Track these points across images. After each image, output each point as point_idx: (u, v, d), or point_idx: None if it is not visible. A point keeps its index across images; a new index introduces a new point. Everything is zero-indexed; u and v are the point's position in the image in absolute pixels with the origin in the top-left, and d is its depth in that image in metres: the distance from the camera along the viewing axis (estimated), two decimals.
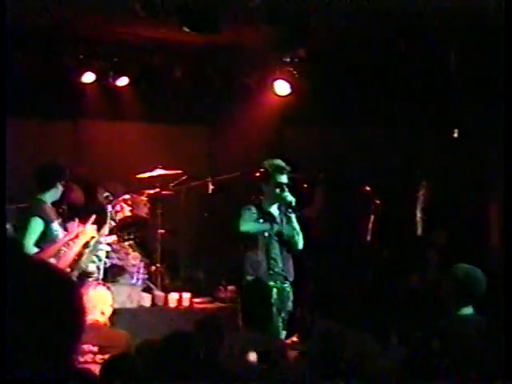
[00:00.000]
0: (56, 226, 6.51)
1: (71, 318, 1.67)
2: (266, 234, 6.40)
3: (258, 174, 6.55)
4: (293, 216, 6.41)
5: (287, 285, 6.41)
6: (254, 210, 6.42)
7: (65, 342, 1.66)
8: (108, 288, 6.23)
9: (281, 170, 6.43)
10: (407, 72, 8.21)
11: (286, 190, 6.41)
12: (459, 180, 8.19)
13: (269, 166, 6.48)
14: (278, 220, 6.47)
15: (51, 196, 6.52)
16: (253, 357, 3.92)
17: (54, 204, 6.58)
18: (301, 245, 6.49)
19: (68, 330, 1.66)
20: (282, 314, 6.26)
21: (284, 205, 6.43)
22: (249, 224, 6.36)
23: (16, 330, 1.59)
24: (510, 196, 5.75)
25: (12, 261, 1.68)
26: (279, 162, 6.52)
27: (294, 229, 6.42)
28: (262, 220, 6.43)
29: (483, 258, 7.36)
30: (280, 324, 6.21)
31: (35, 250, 6.28)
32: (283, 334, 6.24)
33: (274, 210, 6.49)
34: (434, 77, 8.09)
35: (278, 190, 6.39)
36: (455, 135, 8.20)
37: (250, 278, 6.19)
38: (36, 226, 6.27)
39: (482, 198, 8.21)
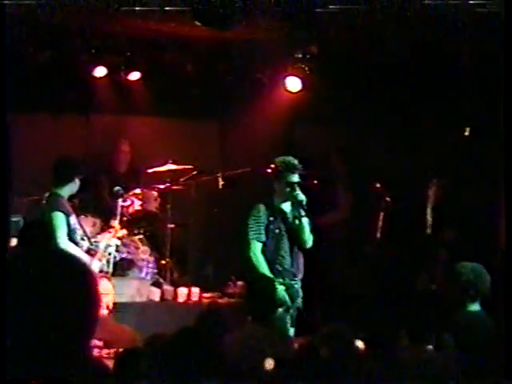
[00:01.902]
0: (73, 219, 6.57)
1: (88, 308, 1.68)
2: (277, 231, 6.38)
3: (269, 171, 6.54)
4: (303, 214, 6.39)
5: (296, 282, 6.39)
6: (261, 211, 6.36)
7: (81, 334, 1.66)
8: (109, 280, 6.27)
9: (292, 169, 6.38)
10: (420, 70, 8.18)
11: (297, 188, 6.37)
12: (469, 178, 8.16)
13: (280, 164, 6.44)
14: (290, 216, 6.45)
15: (68, 190, 6.57)
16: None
17: (69, 199, 6.63)
18: (310, 242, 6.47)
19: (84, 321, 1.67)
20: (291, 311, 6.25)
21: (295, 203, 6.41)
22: (259, 260, 6.30)
23: (31, 323, 1.59)
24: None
25: (31, 250, 1.69)
26: (291, 159, 6.46)
27: (304, 226, 6.40)
28: (272, 218, 6.39)
29: (493, 256, 7.34)
30: (288, 321, 6.20)
31: (70, 243, 6.35)
32: (292, 330, 6.23)
33: (286, 206, 6.46)
34: (446, 74, 8.06)
35: (288, 189, 6.36)
36: (466, 133, 8.18)
37: (256, 273, 6.19)
38: (60, 220, 6.34)
39: (492, 196, 8.17)
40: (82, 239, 6.68)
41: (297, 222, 6.40)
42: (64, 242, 6.21)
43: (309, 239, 6.45)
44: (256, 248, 6.30)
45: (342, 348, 3.82)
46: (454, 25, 6.96)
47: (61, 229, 6.31)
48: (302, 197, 6.37)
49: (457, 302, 4.67)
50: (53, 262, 1.69)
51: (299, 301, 6.36)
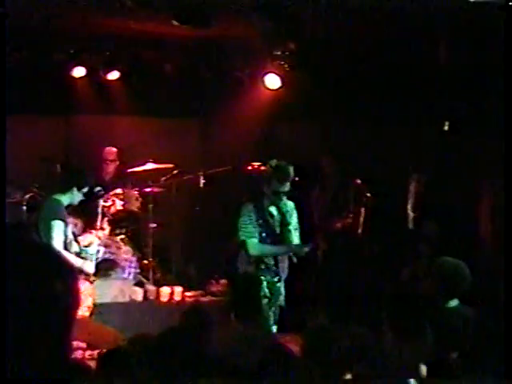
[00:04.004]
0: (69, 230, 6.55)
1: (68, 306, 1.67)
2: (264, 235, 6.20)
3: (259, 172, 6.39)
4: (288, 222, 6.28)
5: (279, 279, 6.32)
6: (251, 211, 6.14)
7: (63, 333, 1.66)
8: (91, 283, 6.26)
9: (283, 178, 6.05)
10: (399, 65, 8.22)
11: (284, 198, 6.13)
12: (451, 173, 8.21)
13: (272, 169, 6.12)
14: (277, 220, 6.25)
15: (67, 199, 6.53)
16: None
17: (66, 207, 6.59)
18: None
19: (64, 320, 1.66)
20: (273, 308, 6.21)
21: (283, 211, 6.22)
22: (259, 247, 6.13)
23: (18, 318, 1.59)
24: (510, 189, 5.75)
25: (14, 247, 1.68)
26: (284, 166, 6.08)
27: (291, 233, 6.24)
28: (261, 221, 6.18)
29: (474, 251, 7.40)
30: (271, 318, 6.18)
31: (66, 253, 6.29)
32: (274, 327, 6.22)
33: (274, 209, 6.24)
34: (426, 71, 8.10)
35: (275, 197, 6.14)
36: (446, 128, 8.22)
37: (240, 271, 6.15)
38: (59, 229, 6.30)
39: (473, 191, 8.23)
40: (76, 252, 6.67)
41: (283, 228, 6.22)
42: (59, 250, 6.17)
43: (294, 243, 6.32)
44: (256, 243, 6.16)
45: (328, 344, 3.83)
46: (439, 21, 6.99)
47: (59, 237, 6.28)
48: (287, 208, 6.20)
49: (436, 297, 4.74)
50: (38, 257, 1.70)
51: (281, 298, 6.32)
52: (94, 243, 6.97)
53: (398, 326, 4.29)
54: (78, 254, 6.66)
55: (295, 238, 6.30)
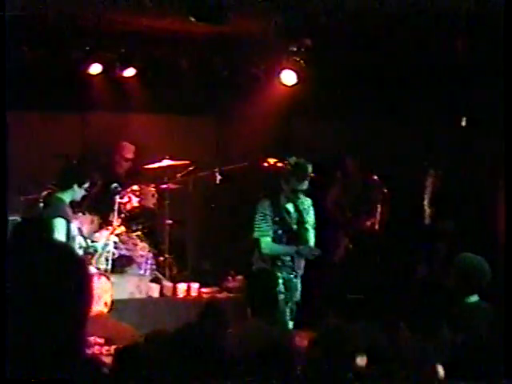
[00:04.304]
0: (74, 226, 6.57)
1: (82, 304, 1.67)
2: (280, 232, 6.20)
3: (277, 169, 6.36)
4: (309, 217, 6.27)
5: (294, 276, 6.31)
6: (267, 208, 6.15)
7: (75, 329, 1.65)
8: (108, 279, 6.28)
9: (302, 176, 6.07)
10: (415, 61, 8.18)
11: (302, 195, 6.18)
12: (467, 169, 8.16)
13: (292, 167, 6.12)
14: (294, 217, 6.25)
15: (69, 196, 6.56)
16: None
17: (71, 203, 6.62)
18: (312, 243, 6.31)
19: (79, 315, 1.66)
20: (290, 305, 6.20)
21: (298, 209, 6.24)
22: (271, 246, 6.14)
23: (27, 318, 1.58)
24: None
25: (23, 242, 1.68)
26: (303, 164, 6.11)
27: (307, 231, 6.26)
28: (277, 218, 6.18)
29: (491, 247, 7.35)
30: (287, 314, 6.17)
31: None
32: (291, 324, 6.21)
33: (291, 206, 6.25)
34: (442, 65, 8.06)
35: (293, 195, 6.17)
36: (463, 123, 8.18)
37: (256, 268, 6.14)
38: (60, 226, 6.32)
39: (490, 187, 8.18)
40: (80, 247, 6.68)
41: (300, 226, 6.22)
42: None
43: (310, 240, 6.28)
44: (268, 242, 6.15)
45: (343, 342, 3.82)
46: (452, 18, 6.95)
47: (59, 234, 6.31)
48: (305, 205, 6.21)
49: (457, 293, 4.72)
50: (51, 256, 1.69)
51: (298, 295, 6.31)
52: (104, 238, 6.99)
53: (416, 323, 4.27)
54: (85, 250, 6.68)
55: (312, 236, 6.29)
